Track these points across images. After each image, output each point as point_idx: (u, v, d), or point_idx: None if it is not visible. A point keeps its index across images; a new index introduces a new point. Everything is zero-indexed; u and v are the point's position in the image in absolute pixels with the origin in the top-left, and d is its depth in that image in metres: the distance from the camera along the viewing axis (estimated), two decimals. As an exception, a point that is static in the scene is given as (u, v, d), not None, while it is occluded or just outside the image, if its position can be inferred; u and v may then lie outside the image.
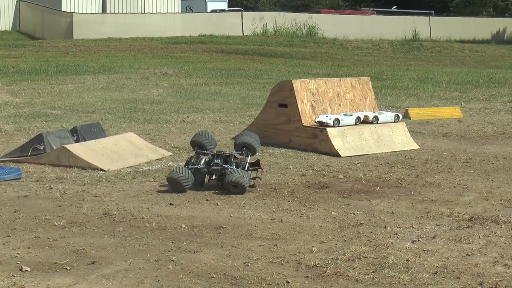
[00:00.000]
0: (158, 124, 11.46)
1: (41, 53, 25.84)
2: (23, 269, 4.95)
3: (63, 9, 35.28)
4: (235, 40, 33.20)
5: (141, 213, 6.38)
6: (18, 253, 5.29)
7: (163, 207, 6.66)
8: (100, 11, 36.92)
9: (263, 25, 37.51)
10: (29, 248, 5.42)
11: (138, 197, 7.01)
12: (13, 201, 6.75)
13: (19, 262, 5.09)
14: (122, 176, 7.85)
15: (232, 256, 5.27)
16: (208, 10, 42.00)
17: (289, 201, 6.94)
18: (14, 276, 4.83)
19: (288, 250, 5.44)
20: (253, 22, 36.95)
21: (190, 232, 5.89)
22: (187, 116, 12.36)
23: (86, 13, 35.43)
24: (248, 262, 5.15)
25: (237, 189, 7.11)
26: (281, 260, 5.20)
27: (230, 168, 7.28)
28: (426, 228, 6.05)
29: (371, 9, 48.58)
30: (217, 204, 6.77)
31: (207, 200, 6.93)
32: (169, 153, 9.12)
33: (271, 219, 6.29)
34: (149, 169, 8.23)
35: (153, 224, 6.06)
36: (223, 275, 4.89)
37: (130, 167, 8.31)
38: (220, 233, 5.87)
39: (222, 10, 42.66)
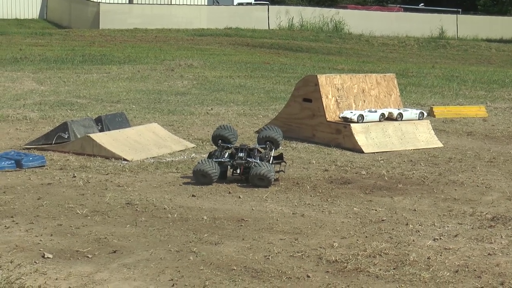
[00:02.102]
0: (182, 116, 11.49)
1: (68, 42, 25.97)
2: (45, 256, 4.99)
3: (90, -2, 35.43)
4: (261, 33, 33.16)
5: (163, 204, 6.41)
6: (40, 240, 5.33)
7: (185, 198, 6.68)
8: (127, 2, 37.05)
9: (289, 19, 37.44)
10: (51, 235, 5.46)
11: (160, 187, 7.03)
12: (36, 189, 6.81)
13: (41, 249, 5.13)
14: (145, 167, 7.88)
15: (253, 249, 5.28)
16: (235, 3, 41.98)
17: (311, 195, 6.94)
18: (36, 263, 4.87)
19: (309, 244, 5.43)
20: (278, 16, 36.89)
21: (211, 224, 5.90)
22: (211, 109, 12.37)
23: (113, 3, 35.54)
24: (269, 255, 5.15)
25: (263, 182, 7.12)
26: (302, 255, 5.20)
27: (255, 162, 7.28)
28: (448, 227, 6.02)
29: (398, 5, 48.31)
30: (239, 197, 6.78)
31: (229, 192, 6.95)
32: (192, 145, 9.14)
33: (293, 213, 6.29)
34: (172, 160, 8.26)
35: (175, 215, 6.08)
36: (244, 268, 4.90)
37: (153, 157, 8.35)
38: (241, 225, 5.88)
39: (249, 3, 42.64)
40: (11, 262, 4.84)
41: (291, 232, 5.74)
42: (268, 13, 37.60)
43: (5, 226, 5.63)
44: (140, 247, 5.25)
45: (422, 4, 49.10)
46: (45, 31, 30.30)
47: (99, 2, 34.10)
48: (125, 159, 8.09)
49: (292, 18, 37.58)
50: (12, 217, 5.87)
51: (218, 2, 41.67)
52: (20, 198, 6.45)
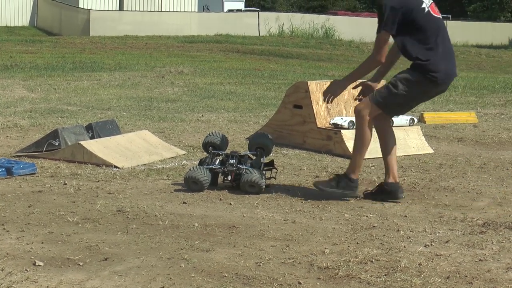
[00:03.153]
0: (172, 123, 11.49)
1: (58, 49, 25.96)
2: (37, 264, 4.97)
3: (81, 5, 35.46)
4: (251, 40, 33.24)
5: (154, 211, 6.40)
6: (31, 248, 5.32)
7: (176, 205, 6.68)
8: (117, 9, 37.05)
9: (280, 26, 37.54)
10: (42, 243, 5.45)
11: (151, 194, 7.03)
12: (27, 196, 6.79)
13: (32, 257, 5.12)
14: (136, 174, 7.88)
15: (244, 256, 5.28)
16: (225, 10, 42.05)
17: (302, 202, 6.95)
18: (27, 271, 4.85)
19: (301, 251, 5.44)
20: (268, 23, 36.96)
21: (203, 231, 5.90)
22: (202, 115, 12.38)
23: (103, 10, 35.56)
24: (260, 262, 5.16)
25: (254, 189, 7.12)
26: (293, 261, 5.20)
27: (246, 168, 7.29)
28: (439, 233, 6.03)
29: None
30: (230, 204, 6.78)
31: (220, 199, 6.95)
32: (183, 152, 9.14)
33: (284, 220, 6.30)
34: (163, 167, 8.25)
35: (166, 222, 6.08)
36: (235, 275, 4.90)
37: (144, 164, 8.34)
38: (232, 232, 5.88)
39: (239, 10, 42.72)
40: (1, 270, 4.83)
41: (282, 239, 5.75)
42: (259, 20, 37.70)
43: (-4, 234, 5.61)
44: (131, 255, 5.24)
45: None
46: (35, 39, 30.29)
47: (90, 9, 34.11)
48: (116, 166, 8.08)
49: (283, 24, 37.70)
50: (2, 224, 5.85)
51: (209, 9, 41.73)
52: (11, 205, 6.43)
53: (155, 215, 6.27)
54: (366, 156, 8.81)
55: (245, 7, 45.08)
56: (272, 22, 37.16)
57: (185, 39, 31.74)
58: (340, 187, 7.04)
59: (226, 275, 4.89)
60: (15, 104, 12.93)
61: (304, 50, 30.79)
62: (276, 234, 5.88)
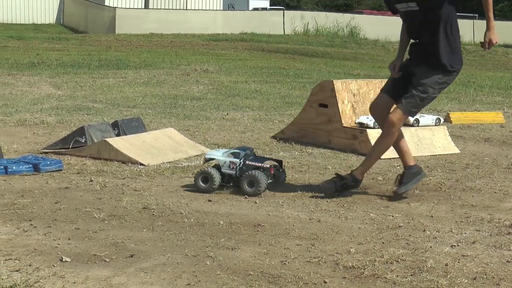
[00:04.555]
0: (197, 121, 11.51)
1: (84, 47, 26.11)
2: (63, 260, 5.00)
3: (106, 4, 35.63)
4: (276, 38, 33.21)
5: (179, 209, 6.42)
6: (58, 244, 5.35)
7: (201, 203, 6.69)
8: (143, 7, 37.19)
9: (304, 25, 37.48)
10: (69, 239, 5.48)
11: (177, 192, 7.05)
12: (54, 192, 6.84)
13: (59, 253, 5.15)
14: (162, 171, 7.91)
15: (269, 254, 5.28)
16: (250, 8, 42.06)
17: (327, 201, 6.93)
18: (54, 266, 4.88)
19: (326, 250, 5.43)
20: (294, 21, 36.90)
21: (228, 229, 5.91)
22: (227, 114, 12.39)
23: (129, 8, 35.71)
24: (286, 260, 5.15)
25: (253, 187, 7.02)
26: (318, 260, 5.19)
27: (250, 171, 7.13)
28: (465, 233, 5.99)
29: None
30: (256, 202, 6.78)
31: (245, 197, 6.95)
32: (208, 150, 9.14)
33: (309, 219, 6.29)
34: (188, 165, 8.27)
35: (192, 220, 6.09)
36: (261, 273, 4.90)
37: (169, 162, 8.37)
38: (258, 231, 5.88)
39: (264, 9, 42.69)
40: (29, 265, 4.87)
41: (308, 238, 5.74)
42: (284, 18, 37.64)
43: (24, 229, 5.66)
44: (157, 252, 5.26)
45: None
46: (61, 36, 30.47)
47: (115, 7, 34.27)
48: (141, 164, 8.11)
49: (308, 23, 37.63)
50: (30, 220, 5.90)
51: (234, 7, 41.75)
52: (38, 202, 6.48)
53: (181, 213, 6.29)
54: (392, 156, 8.78)
55: (270, 6, 45.07)
56: (297, 21, 37.11)
57: (210, 37, 31.79)
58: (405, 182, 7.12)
59: (252, 273, 4.89)
60: (41, 101, 13.03)
61: (329, 49, 30.72)
62: (301, 233, 5.87)
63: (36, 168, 7.55)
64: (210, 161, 7.40)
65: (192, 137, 9.87)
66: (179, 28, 33.78)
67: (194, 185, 7.13)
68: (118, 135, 8.93)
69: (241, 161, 7.22)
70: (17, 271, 4.76)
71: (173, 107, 12.90)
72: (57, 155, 8.38)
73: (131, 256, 5.14)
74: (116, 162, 8.13)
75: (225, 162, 7.21)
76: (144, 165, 8.09)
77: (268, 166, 7.26)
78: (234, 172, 7.19)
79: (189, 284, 4.67)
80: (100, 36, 30.61)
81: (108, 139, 8.43)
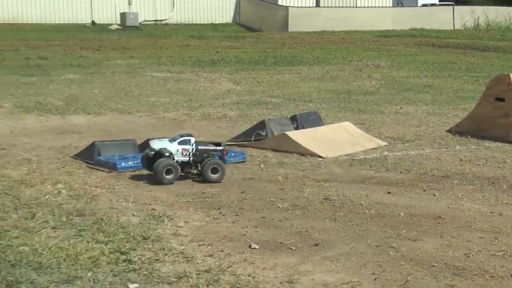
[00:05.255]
0: (372, 115, 11.59)
1: (259, 45, 26.66)
2: (252, 247, 5.26)
3: (280, 3, 36.29)
4: (446, 34, 32.51)
5: (360, 200, 6.55)
6: (246, 231, 5.63)
7: (381, 195, 6.79)
8: (314, 5, 37.56)
9: (475, 19, 36.50)
10: (256, 227, 5.75)
11: (355, 184, 7.19)
12: (239, 183, 7.16)
13: (247, 240, 5.42)
14: (340, 163, 8.07)
15: (452, 247, 5.31)
16: (419, 4, 41.42)
17: (508, 195, 6.84)
18: (244, 252, 5.15)
19: (511, 244, 5.38)
20: (463, 16, 36.03)
21: (408, 220, 5.98)
22: (400, 108, 12.39)
23: (301, 7, 36.19)
24: (470, 253, 5.16)
25: (217, 174, 7.11)
26: (503, 254, 5.16)
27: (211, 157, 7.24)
28: None
29: None
30: (435, 195, 6.80)
31: (424, 190, 6.98)
32: (384, 143, 9.23)
33: (490, 212, 6.24)
34: (365, 158, 8.38)
35: (372, 211, 6.20)
36: (444, 264, 4.94)
37: (346, 155, 8.52)
38: (439, 223, 5.91)
39: (433, 4, 41.87)
40: (221, 251, 5.16)
41: (490, 231, 5.71)
42: (453, 14, 36.82)
43: (214, 217, 5.99)
44: (340, 241, 5.42)
45: None
46: (238, 34, 31.26)
47: (288, 6, 34.82)
48: (320, 156, 8.32)
49: (478, 18, 36.60)
50: (219, 209, 6.23)
51: (403, 4, 41.25)
52: (225, 191, 6.83)
53: (361, 204, 6.42)
54: None
55: (439, 1, 44.18)
56: (467, 16, 36.16)
57: (380, 34, 31.56)
58: None
59: (436, 264, 4.94)
60: (222, 96, 13.55)
61: (501, 43, 29.70)
62: (483, 226, 5.84)
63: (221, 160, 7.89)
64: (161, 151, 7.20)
65: (368, 130, 9.96)
66: (349, 25, 33.78)
67: (155, 179, 7.03)
68: (296, 128, 9.19)
69: (193, 147, 7.29)
70: (210, 256, 5.07)
71: (347, 102, 13.04)
72: (240, 147, 8.74)
73: (316, 245, 5.33)
74: (295, 155, 8.37)
75: (177, 150, 7.23)
76: (323, 157, 8.28)
77: (221, 148, 7.40)
78: (188, 159, 7.26)
79: (374, 273, 4.79)
80: (274, 34, 31.08)
81: (288, 132, 8.70)
